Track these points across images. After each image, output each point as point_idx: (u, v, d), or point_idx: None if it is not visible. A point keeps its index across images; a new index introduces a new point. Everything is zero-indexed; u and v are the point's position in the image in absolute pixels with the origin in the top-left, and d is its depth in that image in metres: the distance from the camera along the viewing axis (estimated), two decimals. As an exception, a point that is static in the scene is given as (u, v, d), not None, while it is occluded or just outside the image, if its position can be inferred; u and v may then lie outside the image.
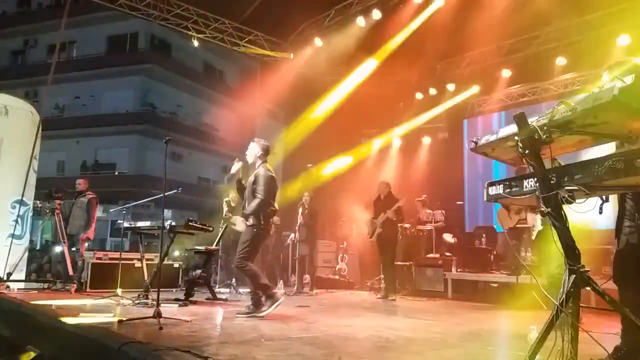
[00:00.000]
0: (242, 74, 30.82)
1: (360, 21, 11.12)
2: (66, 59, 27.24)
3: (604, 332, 3.13)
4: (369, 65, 12.51)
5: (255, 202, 5.77)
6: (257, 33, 12.39)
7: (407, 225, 10.68)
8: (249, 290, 5.95)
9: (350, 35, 11.49)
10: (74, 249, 8.48)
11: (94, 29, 26.24)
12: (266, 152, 6.13)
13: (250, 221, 5.77)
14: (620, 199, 3.21)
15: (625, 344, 3.05)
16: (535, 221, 7.37)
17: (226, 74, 31.24)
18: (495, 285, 9.15)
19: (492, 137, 2.81)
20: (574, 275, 2.58)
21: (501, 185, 2.85)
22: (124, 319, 4.76)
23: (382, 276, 9.34)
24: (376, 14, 10.88)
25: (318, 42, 12.01)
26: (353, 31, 11.39)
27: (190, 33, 11.97)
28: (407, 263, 10.30)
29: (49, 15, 25.96)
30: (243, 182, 6.16)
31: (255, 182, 5.90)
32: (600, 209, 2.74)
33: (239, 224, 6.01)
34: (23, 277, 8.37)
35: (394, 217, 8.98)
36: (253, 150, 6.11)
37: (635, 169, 2.25)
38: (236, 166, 6.24)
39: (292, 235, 10.10)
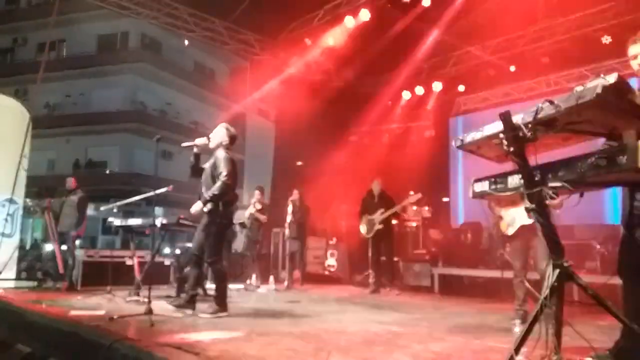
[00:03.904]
0: (232, 72, 30.74)
1: (349, 21, 11.15)
2: (56, 58, 27.02)
3: (590, 326, 3.18)
4: (357, 64, 12.59)
5: (219, 184, 5.35)
6: (247, 32, 12.39)
7: (394, 222, 10.75)
8: (214, 286, 5.70)
9: (339, 35, 11.53)
10: (64, 247, 8.46)
11: (84, 28, 25.99)
12: (232, 141, 5.72)
13: (209, 206, 5.35)
14: (629, 193, 3.14)
15: (624, 338, 3.03)
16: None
17: (216, 73, 31.15)
18: (481, 280, 9.26)
19: (478, 135, 2.85)
20: (558, 270, 2.64)
21: (487, 182, 2.90)
22: (115, 316, 4.76)
23: (371, 271, 9.39)
24: (364, 14, 10.91)
25: (307, 41, 12.04)
26: (342, 31, 11.43)
27: (181, 32, 11.95)
28: (394, 259, 10.37)
29: (38, 13, 25.72)
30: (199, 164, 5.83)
31: (215, 165, 5.51)
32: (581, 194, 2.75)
33: (195, 207, 5.48)
34: (13, 276, 8.35)
35: (404, 213, 8.82)
36: (219, 135, 5.70)
37: (617, 166, 2.30)
38: (200, 141, 5.76)
39: (284, 231, 10.12)
